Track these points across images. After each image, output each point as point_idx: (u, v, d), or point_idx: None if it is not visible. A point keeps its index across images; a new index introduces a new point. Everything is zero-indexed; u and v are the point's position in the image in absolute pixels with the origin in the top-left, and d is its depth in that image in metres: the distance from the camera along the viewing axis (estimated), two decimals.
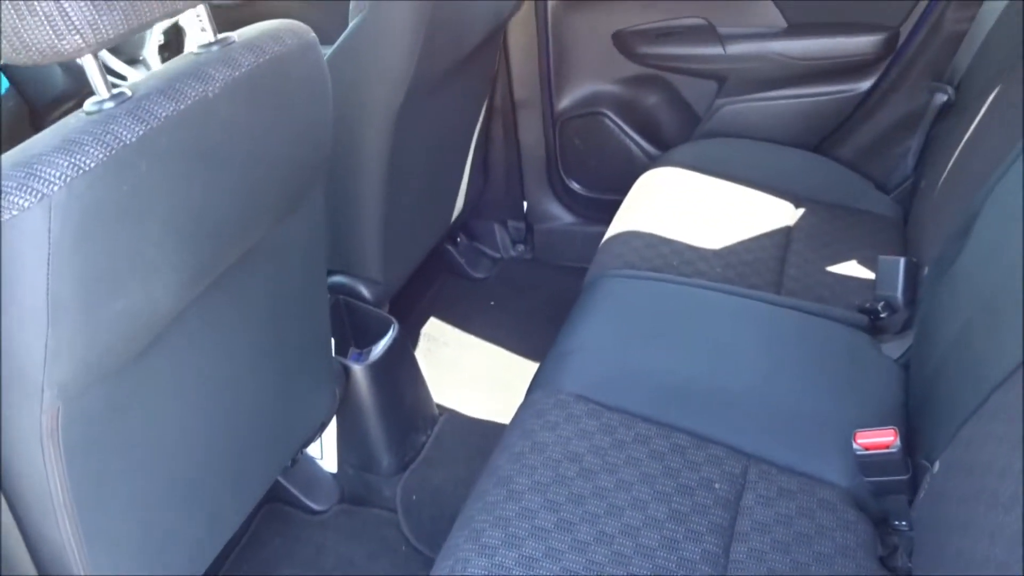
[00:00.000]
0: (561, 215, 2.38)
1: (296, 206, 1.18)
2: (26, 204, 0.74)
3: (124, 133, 0.81)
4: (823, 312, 1.48)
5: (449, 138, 1.93)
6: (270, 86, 1.00)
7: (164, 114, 0.85)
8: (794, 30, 1.96)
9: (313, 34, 1.09)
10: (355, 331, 1.78)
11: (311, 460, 1.73)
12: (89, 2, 0.77)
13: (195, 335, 1.05)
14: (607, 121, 2.19)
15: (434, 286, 2.33)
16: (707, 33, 2.02)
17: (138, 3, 0.82)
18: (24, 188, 0.74)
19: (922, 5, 1.84)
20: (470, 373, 2.07)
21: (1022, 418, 0.90)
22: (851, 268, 1.64)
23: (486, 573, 1.05)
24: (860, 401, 1.30)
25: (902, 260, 1.47)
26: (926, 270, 1.45)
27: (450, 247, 2.36)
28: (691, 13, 2.02)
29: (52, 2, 0.76)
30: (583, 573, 1.04)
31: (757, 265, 1.63)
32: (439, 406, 1.93)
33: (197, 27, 0.98)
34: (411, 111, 1.59)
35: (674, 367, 1.36)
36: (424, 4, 1.43)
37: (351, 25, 1.47)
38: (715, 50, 2.01)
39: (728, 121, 2.08)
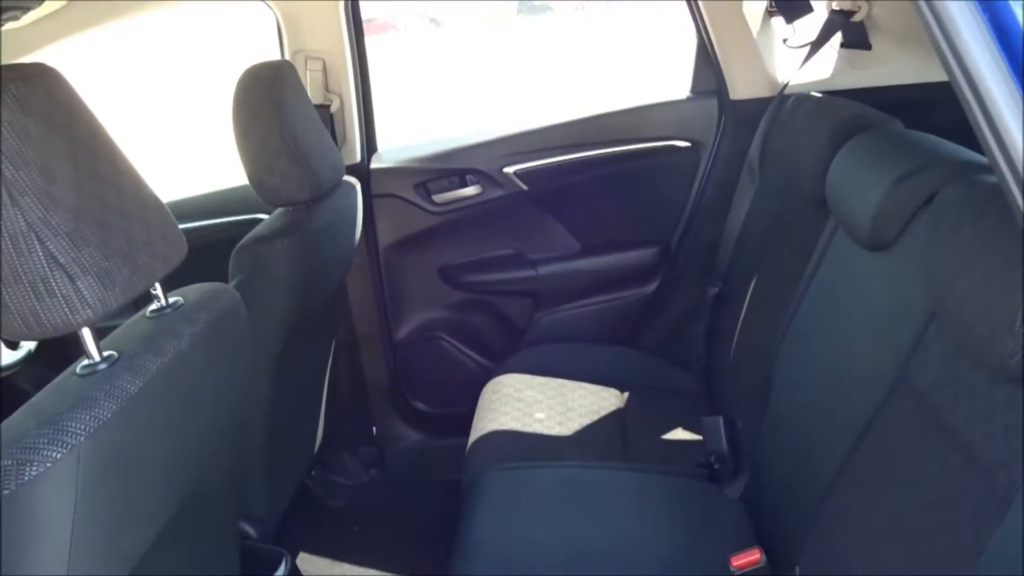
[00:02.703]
0: (409, 434, 2.55)
1: (229, 450, 1.29)
2: (58, 456, 0.84)
3: (128, 387, 0.94)
4: (672, 471, 1.76)
5: (313, 375, 2.09)
6: (219, 339, 1.16)
7: (154, 367, 0.99)
8: (588, 250, 2.40)
9: (239, 295, 1.27)
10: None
11: None
12: (98, 280, 0.93)
13: (155, 554, 1.11)
14: (443, 343, 2.46)
15: (295, 521, 2.37)
16: (519, 260, 2.40)
17: (133, 278, 0.98)
18: (55, 442, 0.85)
19: (683, 222, 2.34)
20: None
21: (857, 507, 1.20)
22: (680, 434, 1.95)
23: None
24: (720, 535, 1.56)
25: (720, 419, 1.80)
26: (739, 423, 1.79)
27: (306, 481, 2.43)
28: (503, 246, 2.40)
29: (69, 283, 0.90)
30: None
31: (606, 444, 1.90)
32: None
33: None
34: (287, 356, 1.75)
35: (568, 538, 1.56)
36: (299, 262, 1.66)
37: (233, 283, 1.64)
38: (528, 272, 2.39)
39: (547, 329, 2.42)
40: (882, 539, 1.13)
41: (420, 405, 2.53)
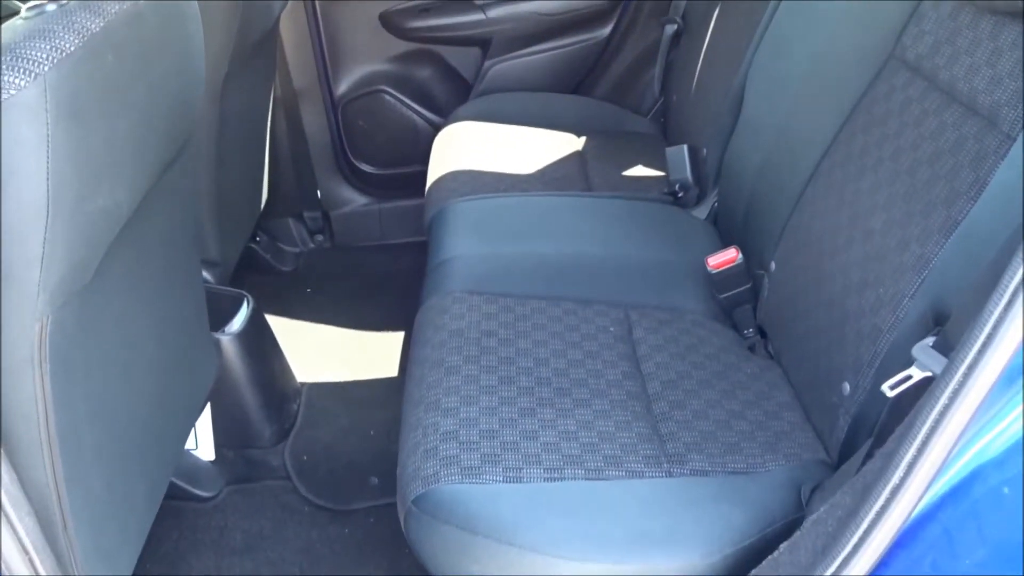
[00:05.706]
0: (355, 198, 2.46)
1: (181, 149, 1.19)
2: (22, 83, 0.75)
3: (89, 24, 0.83)
4: (638, 197, 1.75)
5: (255, 120, 1.96)
6: (173, 9, 1.04)
7: (114, 10, 0.87)
8: None
9: None
10: None
11: (187, 452, 1.67)
12: None
13: (127, 264, 1.05)
14: (387, 98, 2.33)
15: (245, 285, 2.31)
16: (466, 3, 2.25)
17: None
18: (16, 68, 0.75)
19: None
20: (311, 352, 2.09)
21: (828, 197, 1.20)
22: (641, 170, 1.94)
23: (456, 428, 1.14)
24: (689, 250, 1.58)
25: (685, 147, 1.78)
26: (704, 152, 1.78)
27: (252, 245, 2.35)
28: None
29: None
30: (536, 408, 1.18)
31: (567, 179, 1.87)
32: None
33: None
34: (231, 84, 1.63)
35: (538, 253, 1.55)
36: None
37: None
38: (476, 16, 2.25)
39: (498, 79, 2.32)
40: (868, 209, 1.14)
41: (365, 167, 2.43)
